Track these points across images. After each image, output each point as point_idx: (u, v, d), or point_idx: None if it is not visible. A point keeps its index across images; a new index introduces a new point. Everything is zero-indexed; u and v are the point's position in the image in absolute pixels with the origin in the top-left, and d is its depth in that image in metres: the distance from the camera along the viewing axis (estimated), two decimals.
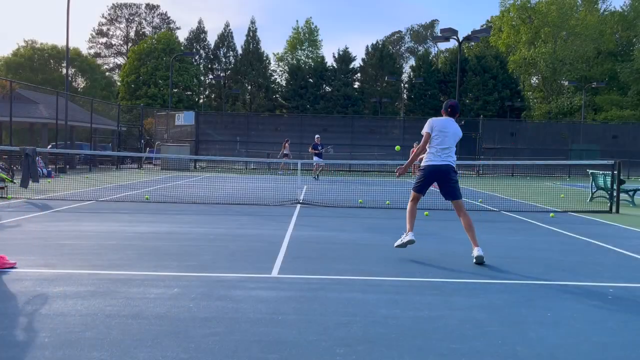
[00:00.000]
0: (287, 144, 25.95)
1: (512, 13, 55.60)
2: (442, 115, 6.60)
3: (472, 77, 50.54)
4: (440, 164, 6.27)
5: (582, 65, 51.82)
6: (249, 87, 58.06)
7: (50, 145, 25.24)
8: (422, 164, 6.42)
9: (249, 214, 10.08)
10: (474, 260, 5.96)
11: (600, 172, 13.93)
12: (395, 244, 6.44)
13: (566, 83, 49.83)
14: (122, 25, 71.02)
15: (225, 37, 59.69)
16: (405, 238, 6.32)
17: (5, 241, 6.68)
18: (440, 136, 6.32)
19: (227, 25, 67.22)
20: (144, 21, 70.46)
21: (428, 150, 6.40)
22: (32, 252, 6.03)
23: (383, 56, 55.15)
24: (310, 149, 23.03)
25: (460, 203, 6.35)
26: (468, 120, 34.87)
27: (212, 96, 61.64)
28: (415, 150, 6.37)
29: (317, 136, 23.44)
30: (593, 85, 43.27)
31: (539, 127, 36.75)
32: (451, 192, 6.32)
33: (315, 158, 22.20)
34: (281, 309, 4.17)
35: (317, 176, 22.00)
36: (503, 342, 3.58)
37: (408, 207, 6.57)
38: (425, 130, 6.41)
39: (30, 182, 11.74)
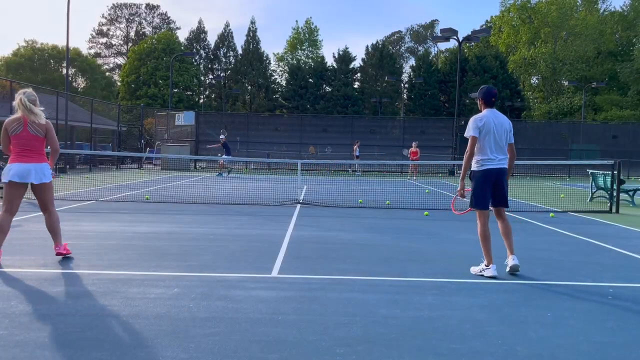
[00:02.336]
0: (357, 146, 26.28)
1: (512, 13, 55.62)
2: (481, 108, 5.67)
3: (472, 77, 50.54)
4: (496, 167, 5.45)
5: (582, 65, 51.84)
6: (249, 87, 58.08)
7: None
8: (474, 168, 5.56)
9: (249, 214, 10.08)
10: (508, 270, 5.50)
11: (600, 172, 13.93)
12: (472, 271, 5.62)
13: (566, 83, 49.85)
14: (122, 25, 71.11)
15: (225, 37, 59.72)
16: (486, 272, 5.44)
17: (6, 241, 6.67)
18: (491, 135, 5.44)
19: (227, 25, 67.33)
20: (144, 21, 70.55)
21: (478, 153, 5.50)
22: (32, 252, 6.03)
23: (383, 56, 55.15)
24: (218, 145, 23.43)
25: (504, 209, 5.65)
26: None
27: (212, 96, 61.66)
28: (466, 158, 5.56)
29: (222, 131, 23.87)
30: (593, 85, 43.26)
31: (539, 127, 36.75)
32: (503, 198, 5.54)
33: (223, 155, 22.63)
34: (281, 309, 4.17)
35: (221, 173, 22.38)
36: (503, 342, 3.58)
37: (479, 230, 5.56)
38: (470, 133, 5.50)
39: None
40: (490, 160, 5.43)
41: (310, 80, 54.16)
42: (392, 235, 8.00)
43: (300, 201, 12.00)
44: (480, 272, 5.52)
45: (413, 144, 25.03)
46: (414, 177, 24.10)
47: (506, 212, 5.56)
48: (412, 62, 65.65)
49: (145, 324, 3.74)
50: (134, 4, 69.94)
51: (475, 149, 5.50)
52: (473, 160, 5.54)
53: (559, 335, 3.75)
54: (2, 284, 4.71)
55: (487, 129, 5.43)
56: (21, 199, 5.67)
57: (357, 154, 26.58)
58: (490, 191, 5.48)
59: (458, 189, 5.66)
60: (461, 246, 7.20)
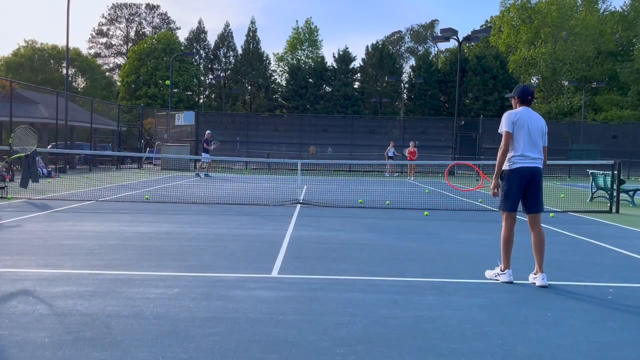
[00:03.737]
0: (391, 147, 25.94)
1: (512, 13, 55.62)
2: (516, 107, 5.29)
3: (472, 77, 50.55)
4: (529, 166, 5.08)
5: (582, 65, 51.83)
6: (249, 87, 58.08)
7: (50, 145, 25.24)
8: (506, 167, 5.18)
9: (249, 214, 10.08)
10: (536, 284, 5.11)
11: (600, 172, 13.92)
12: (487, 275, 5.43)
13: (566, 83, 49.86)
14: (122, 25, 71.13)
15: (225, 37, 59.73)
16: (502, 277, 5.25)
17: (6, 241, 6.68)
18: (525, 130, 5.10)
19: (227, 25, 67.29)
20: (144, 21, 70.57)
21: (511, 150, 5.16)
22: (32, 252, 6.03)
23: (383, 56, 55.15)
24: (204, 145, 23.25)
25: (539, 217, 5.24)
26: (468, 120, 34.89)
27: (212, 96, 61.67)
28: (500, 155, 5.19)
29: (207, 132, 23.65)
30: (593, 85, 43.26)
31: None
32: (535, 201, 5.16)
33: (203, 154, 22.36)
34: (281, 309, 4.17)
35: (207, 173, 22.25)
36: (503, 342, 3.58)
37: (502, 234, 5.28)
38: (503, 128, 5.16)
39: (30, 182, 11.73)
40: (523, 158, 5.08)
41: (310, 80, 54.17)
42: (392, 235, 8.00)
43: (300, 201, 12.00)
44: (495, 276, 5.30)
45: (411, 144, 24.92)
46: (412, 177, 24.08)
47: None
48: (412, 62, 65.68)
49: (145, 324, 3.74)
50: (134, 4, 70.02)
51: (510, 145, 5.15)
52: (505, 158, 5.20)
53: (559, 335, 3.75)
54: (2, 284, 4.71)
55: (521, 123, 5.10)
56: None
57: (391, 154, 25.91)
58: (521, 193, 5.13)
59: (492, 186, 5.31)
60: (461, 246, 7.20)
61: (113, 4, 70.59)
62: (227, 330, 3.67)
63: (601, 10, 54.93)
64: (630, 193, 13.79)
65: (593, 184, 14.29)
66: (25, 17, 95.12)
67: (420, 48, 74.79)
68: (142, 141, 32.26)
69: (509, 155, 5.16)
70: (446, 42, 43.06)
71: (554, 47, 52.53)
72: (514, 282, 5.27)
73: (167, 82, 37.99)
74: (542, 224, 5.34)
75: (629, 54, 50.77)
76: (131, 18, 70.48)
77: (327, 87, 54.82)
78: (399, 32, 79.07)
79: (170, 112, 33.91)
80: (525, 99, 5.26)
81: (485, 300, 4.60)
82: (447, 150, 30.51)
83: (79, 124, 30.71)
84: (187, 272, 5.30)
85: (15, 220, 8.44)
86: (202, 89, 60.87)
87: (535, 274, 5.21)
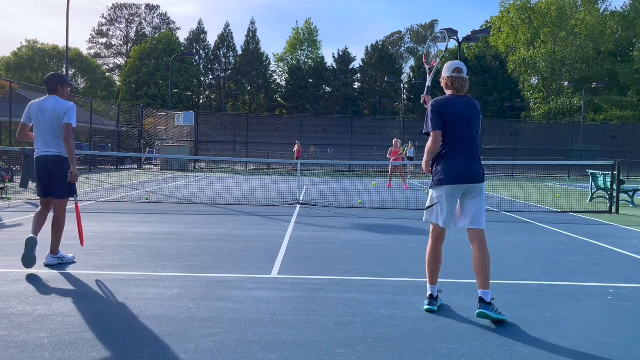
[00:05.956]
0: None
1: (511, 14, 55.65)
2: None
3: (471, 78, 50.55)
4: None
5: (581, 66, 51.85)
6: (249, 88, 58.10)
7: None
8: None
9: (249, 214, 10.07)
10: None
11: (600, 173, 13.92)
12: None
13: (566, 83, 49.92)
14: (122, 26, 71.18)
15: (225, 38, 59.78)
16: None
17: (6, 241, 6.68)
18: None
19: (227, 25, 67.28)
20: (144, 22, 70.62)
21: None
22: None
23: (383, 56, 55.20)
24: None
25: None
26: None
27: (212, 96, 61.69)
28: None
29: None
30: (593, 86, 43.28)
31: (539, 127, 36.77)
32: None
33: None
34: (281, 310, 4.17)
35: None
36: (503, 343, 3.58)
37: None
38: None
39: (30, 182, 11.72)
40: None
41: (310, 80, 54.20)
42: (392, 235, 8.00)
43: (300, 201, 11.99)
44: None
45: (395, 141, 23.36)
46: (412, 174, 24.03)
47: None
48: (412, 62, 65.67)
49: (145, 325, 3.74)
50: (134, 5, 70.07)
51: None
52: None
53: (559, 336, 3.75)
54: (2, 284, 4.70)
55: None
56: None
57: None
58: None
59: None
60: (460, 247, 7.19)
61: (113, 5, 70.77)
62: (226, 330, 3.67)
63: (601, 11, 54.96)
64: (630, 193, 13.79)
65: (593, 184, 14.29)
66: (26, 17, 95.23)
67: (420, 48, 74.80)
68: (142, 141, 32.24)
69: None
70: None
71: (553, 48, 52.55)
72: (516, 282, 5.27)
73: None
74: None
75: (629, 54, 50.79)
76: (131, 18, 70.58)
77: (327, 88, 54.88)
78: (399, 32, 79.18)
79: (170, 112, 33.92)
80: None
81: None
82: None
83: (79, 124, 30.69)
84: (186, 273, 5.30)
85: (15, 220, 8.44)
86: (202, 89, 60.88)
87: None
